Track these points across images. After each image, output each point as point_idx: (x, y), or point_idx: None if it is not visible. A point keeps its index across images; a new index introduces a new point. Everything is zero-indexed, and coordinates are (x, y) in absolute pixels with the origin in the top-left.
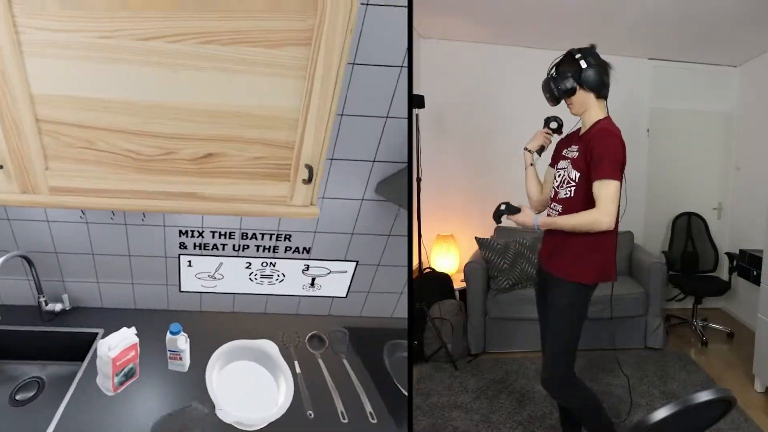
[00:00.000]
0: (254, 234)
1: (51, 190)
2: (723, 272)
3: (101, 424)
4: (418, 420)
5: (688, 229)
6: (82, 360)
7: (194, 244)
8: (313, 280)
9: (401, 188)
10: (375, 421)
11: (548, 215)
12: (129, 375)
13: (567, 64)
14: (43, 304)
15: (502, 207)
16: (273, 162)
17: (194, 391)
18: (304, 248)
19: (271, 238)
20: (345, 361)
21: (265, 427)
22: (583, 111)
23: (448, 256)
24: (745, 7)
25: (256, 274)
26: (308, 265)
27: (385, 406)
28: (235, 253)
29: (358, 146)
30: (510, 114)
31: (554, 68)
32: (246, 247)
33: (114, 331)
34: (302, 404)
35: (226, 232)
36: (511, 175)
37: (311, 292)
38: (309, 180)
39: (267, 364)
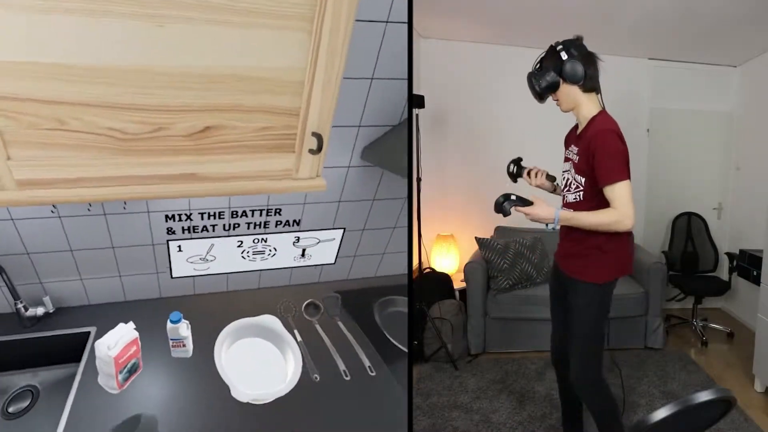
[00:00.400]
0: (244, 212)
1: (19, 184)
2: (723, 272)
3: (112, 422)
4: (418, 420)
5: (688, 229)
6: (78, 361)
7: (182, 228)
8: (304, 250)
9: (387, 151)
10: (374, 374)
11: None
12: (133, 370)
13: (549, 57)
14: (22, 310)
15: (513, 197)
16: (277, 132)
17: (202, 375)
18: (294, 221)
19: (261, 214)
20: (340, 323)
21: (279, 402)
22: (574, 107)
23: (448, 256)
24: (745, 7)
25: (248, 252)
26: (299, 237)
27: (381, 360)
28: (226, 233)
29: (342, 111)
30: (510, 114)
31: (538, 63)
32: (236, 225)
33: (108, 327)
34: (307, 370)
35: (215, 213)
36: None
37: (302, 262)
38: (318, 149)
39: (272, 339)
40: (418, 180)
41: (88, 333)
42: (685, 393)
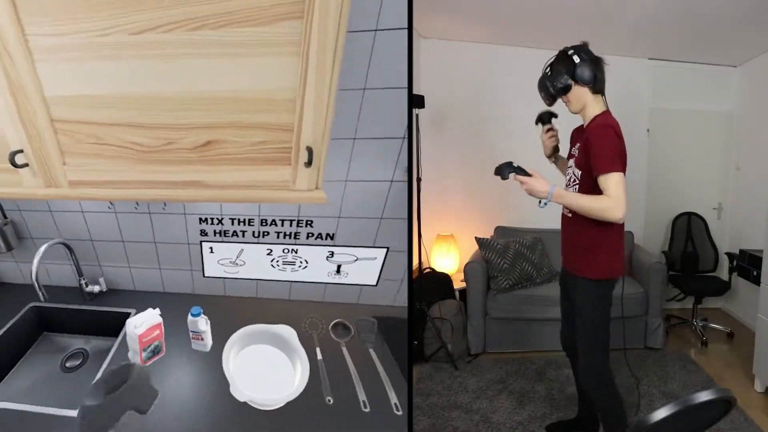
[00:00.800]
0: (273, 220)
1: (70, 183)
2: (723, 272)
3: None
4: (418, 420)
5: (688, 229)
6: (118, 336)
7: (214, 231)
8: (339, 267)
9: None
10: (400, 413)
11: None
12: (156, 351)
13: (561, 61)
14: (84, 285)
15: (515, 165)
16: (274, 146)
17: (216, 369)
18: (327, 234)
19: (291, 224)
20: (371, 351)
21: (283, 411)
22: (581, 108)
23: (448, 256)
24: (745, 7)
25: (278, 261)
26: (332, 252)
27: (408, 399)
28: (256, 240)
29: (384, 123)
30: (510, 114)
31: (548, 67)
32: (266, 233)
33: (145, 310)
34: (321, 390)
35: (245, 219)
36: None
37: (337, 279)
38: (309, 163)
39: (284, 348)
40: (418, 180)
41: (129, 313)
42: (685, 393)
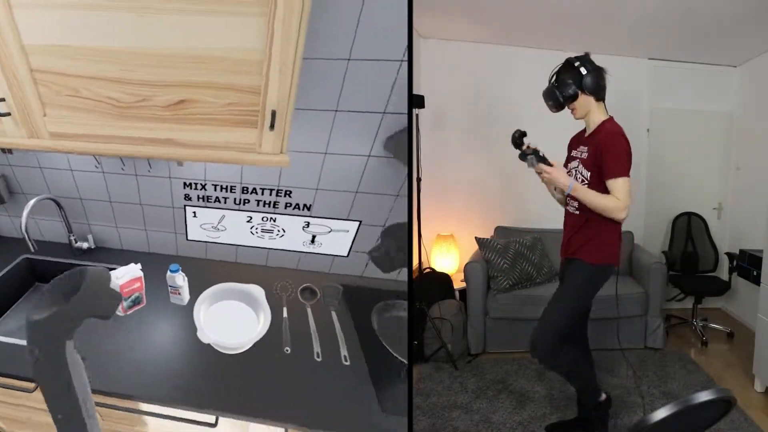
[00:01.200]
0: (254, 189)
1: (52, 135)
2: (723, 272)
3: (115, 336)
4: (418, 420)
5: (688, 229)
6: None
7: (198, 196)
8: (314, 237)
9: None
10: (348, 363)
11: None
12: (136, 301)
13: (567, 71)
14: (73, 241)
15: (541, 153)
16: (243, 108)
17: (189, 319)
18: (305, 205)
19: (271, 194)
20: (333, 313)
21: (244, 355)
22: (585, 114)
23: (448, 256)
24: (745, 7)
25: (257, 228)
26: (308, 222)
27: (362, 354)
28: (237, 207)
29: (366, 96)
30: (510, 114)
31: (554, 76)
32: (247, 201)
33: None
34: (281, 342)
35: (227, 186)
36: (512, 175)
37: (312, 248)
38: (272, 126)
39: (252, 304)
40: (418, 180)
41: (115, 269)
42: (685, 393)
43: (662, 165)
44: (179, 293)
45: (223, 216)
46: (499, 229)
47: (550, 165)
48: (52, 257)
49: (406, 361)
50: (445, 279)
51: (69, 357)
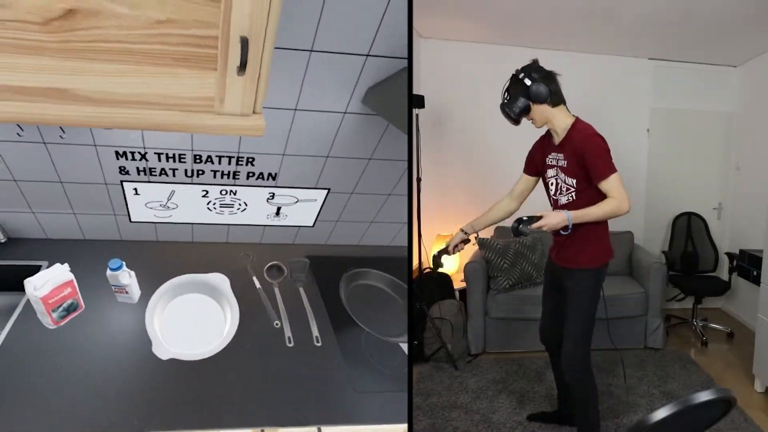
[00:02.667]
0: (209, 157)
1: None
2: (723, 272)
3: (44, 354)
4: (418, 420)
5: (688, 229)
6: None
7: (137, 168)
8: (279, 209)
9: (396, 98)
10: (319, 344)
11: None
12: (71, 309)
13: (514, 85)
14: None
15: (524, 218)
16: (186, 33)
17: (141, 323)
18: (270, 174)
19: (230, 162)
20: (301, 290)
21: (211, 358)
22: (547, 122)
23: (448, 256)
24: (745, 7)
25: (214, 204)
26: (273, 194)
27: (333, 331)
28: (189, 180)
29: (346, 34)
30: None
31: (505, 92)
32: (201, 172)
33: (62, 262)
34: (250, 334)
35: (174, 155)
36: (511, 175)
37: (276, 221)
38: (242, 67)
39: (215, 296)
40: (418, 180)
41: (39, 267)
42: (685, 393)
43: (662, 165)
44: (126, 291)
45: (173, 192)
46: (499, 229)
47: (539, 217)
48: None
49: (375, 333)
50: (445, 279)
51: None
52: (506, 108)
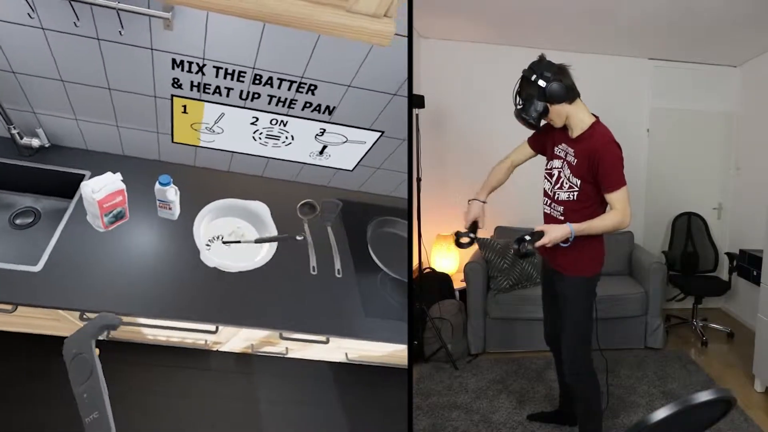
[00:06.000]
0: (270, 78)
1: None
2: (723, 272)
3: (94, 254)
4: (418, 420)
5: (688, 229)
6: (72, 197)
7: (191, 82)
8: (324, 147)
9: None
10: (340, 276)
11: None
12: (119, 216)
13: (526, 88)
14: (17, 137)
15: (526, 237)
16: None
17: (183, 237)
18: (327, 108)
19: (290, 88)
20: (329, 228)
21: (243, 272)
22: (565, 119)
23: (448, 256)
24: (745, 7)
25: (261, 133)
26: (324, 130)
27: (352, 267)
28: (242, 103)
29: None
30: (510, 114)
31: (517, 96)
32: (256, 95)
33: (101, 174)
34: (282, 258)
35: (234, 71)
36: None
37: (318, 160)
38: None
39: (255, 224)
40: (418, 180)
41: (82, 176)
42: (685, 393)
43: (662, 165)
44: (170, 208)
45: (222, 114)
46: (499, 229)
47: (540, 233)
48: None
49: (392, 274)
50: (445, 279)
51: (94, 354)
52: (523, 114)
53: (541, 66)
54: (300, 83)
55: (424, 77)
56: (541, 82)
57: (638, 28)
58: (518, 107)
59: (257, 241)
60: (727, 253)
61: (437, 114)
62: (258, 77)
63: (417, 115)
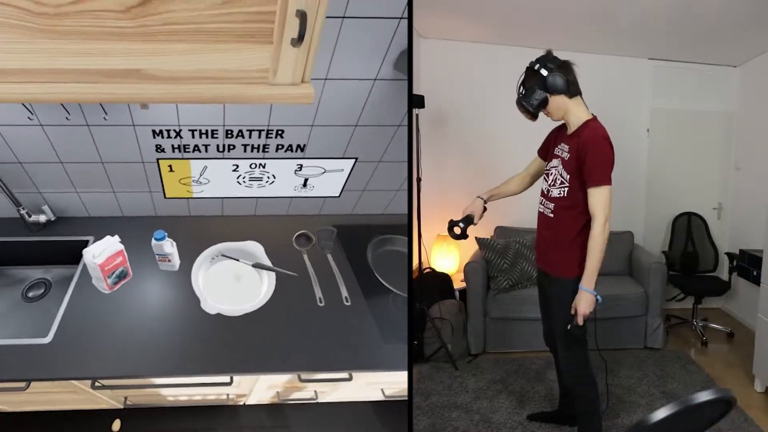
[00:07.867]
0: (240, 131)
1: None
2: (723, 272)
3: (103, 315)
4: (418, 420)
5: (688, 229)
6: (78, 263)
7: (172, 146)
8: (306, 180)
9: None
10: (348, 304)
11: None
12: (122, 276)
13: (530, 78)
14: (26, 216)
15: (574, 324)
16: (247, 11)
17: (185, 286)
18: (299, 146)
19: (260, 135)
20: (329, 257)
21: (249, 314)
22: (564, 114)
23: (448, 256)
24: (745, 7)
25: (244, 177)
26: (301, 165)
27: (361, 293)
28: (220, 155)
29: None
30: (510, 114)
31: (521, 86)
32: (232, 147)
33: (104, 237)
34: (284, 294)
35: (207, 131)
36: (512, 175)
37: (303, 193)
38: (300, 39)
39: (251, 262)
40: (418, 180)
41: (87, 241)
42: (685, 393)
43: (662, 165)
44: (169, 260)
45: (205, 167)
46: (499, 229)
47: (575, 311)
48: (5, 236)
49: (403, 294)
50: (445, 279)
51: None
52: (523, 102)
53: (545, 59)
54: (267, 131)
55: (424, 77)
56: (543, 72)
57: (638, 28)
58: (520, 95)
59: (255, 266)
60: (727, 253)
61: (437, 114)
62: (229, 131)
63: (417, 115)
